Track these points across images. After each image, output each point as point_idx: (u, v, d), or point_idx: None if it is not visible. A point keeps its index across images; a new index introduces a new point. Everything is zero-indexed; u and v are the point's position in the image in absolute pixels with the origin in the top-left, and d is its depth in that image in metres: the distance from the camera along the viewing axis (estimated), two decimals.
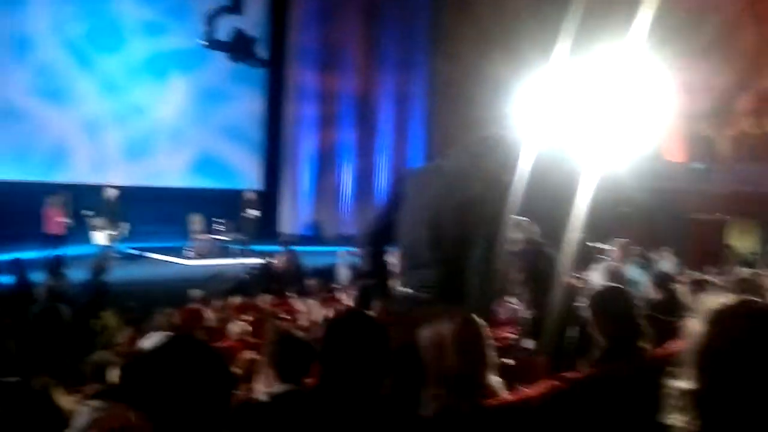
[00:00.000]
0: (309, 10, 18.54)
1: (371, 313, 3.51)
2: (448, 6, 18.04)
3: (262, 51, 17.74)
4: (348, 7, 18.68)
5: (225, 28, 16.69)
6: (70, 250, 13.20)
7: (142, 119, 17.11)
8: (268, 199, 18.01)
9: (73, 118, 16.43)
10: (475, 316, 2.66)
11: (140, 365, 1.97)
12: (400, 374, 2.64)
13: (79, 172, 16.20)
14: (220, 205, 15.60)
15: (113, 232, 13.97)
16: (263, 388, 3.27)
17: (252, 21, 17.71)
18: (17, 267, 10.30)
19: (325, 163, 18.78)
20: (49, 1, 16.02)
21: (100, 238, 13.66)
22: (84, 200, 15.14)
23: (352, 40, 18.74)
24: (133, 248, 14.27)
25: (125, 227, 13.81)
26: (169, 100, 17.42)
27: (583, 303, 3.28)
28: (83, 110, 16.51)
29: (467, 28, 16.77)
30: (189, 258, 14.35)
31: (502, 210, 3.62)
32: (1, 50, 15.51)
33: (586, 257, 8.37)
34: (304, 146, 18.65)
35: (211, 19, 16.48)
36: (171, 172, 17.38)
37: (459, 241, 3.58)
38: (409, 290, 3.69)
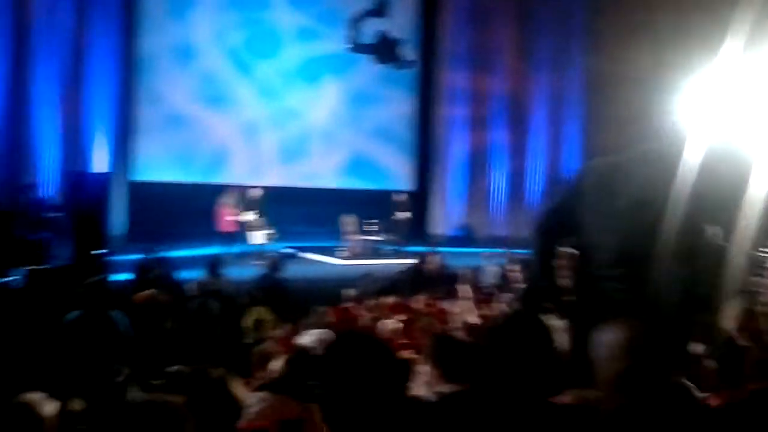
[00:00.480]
0: (460, 11, 18.40)
1: (538, 314, 3.32)
2: (602, 4, 17.35)
3: (407, 53, 17.80)
4: (500, 7, 18.39)
5: (370, 32, 16.88)
6: (236, 248, 13.78)
7: (297, 122, 17.59)
8: (419, 200, 18.02)
9: (233, 122, 17.15)
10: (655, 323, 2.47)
11: (317, 360, 2.02)
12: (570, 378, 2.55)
13: (237, 174, 16.86)
14: (371, 206, 15.73)
15: (270, 232, 14.41)
16: (426, 388, 3.18)
17: (399, 24, 17.81)
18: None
19: (477, 165, 18.55)
20: (212, 12, 16.80)
21: (258, 237, 14.11)
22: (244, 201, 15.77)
23: (504, 40, 18.42)
24: (289, 247, 14.61)
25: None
26: (323, 104, 17.80)
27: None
28: (242, 115, 17.20)
29: (623, 26, 16.09)
30: (341, 258, 14.53)
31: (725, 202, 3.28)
32: (168, 60, 16.44)
33: (758, 263, 7.71)
34: (454, 147, 18.51)
35: (356, 23, 16.69)
36: (324, 173, 17.76)
37: (680, 234, 3.21)
38: (590, 291, 3.42)
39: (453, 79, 18.35)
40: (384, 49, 17.07)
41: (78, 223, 12.75)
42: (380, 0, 16.91)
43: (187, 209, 15.11)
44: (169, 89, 16.47)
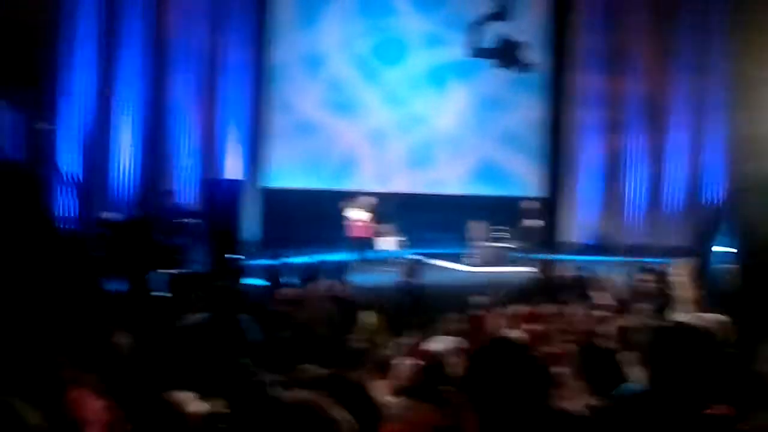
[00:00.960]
0: (592, 10, 17.77)
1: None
2: (749, 3, 16.27)
3: (530, 56, 17.42)
4: (636, 5, 17.62)
5: (491, 36, 16.68)
6: (365, 255, 13.85)
7: (424, 128, 17.49)
8: (550, 207, 17.53)
9: (360, 129, 17.27)
10: None
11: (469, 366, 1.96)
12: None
13: (365, 180, 16.99)
14: (500, 212, 15.40)
15: (399, 238, 14.39)
16: (573, 399, 2.95)
17: (524, 26, 17.51)
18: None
19: (611, 170, 17.80)
20: (339, 21, 17.01)
21: (386, 244, 14.11)
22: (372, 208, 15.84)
23: (641, 41, 17.59)
24: (417, 254, 14.51)
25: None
26: (450, 109, 17.63)
27: None
28: (369, 121, 17.29)
29: None
30: (469, 265, 14.29)
31: None
32: (297, 68, 16.77)
33: None
34: (587, 152, 17.84)
35: (477, 27, 16.51)
36: (451, 180, 17.56)
37: None
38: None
39: (586, 81, 17.72)
40: (506, 53, 16.83)
41: (213, 229, 13.16)
42: (502, 3, 16.64)
43: (317, 215, 15.33)
44: (298, 97, 16.78)
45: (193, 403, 3.55)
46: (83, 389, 3.15)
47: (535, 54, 17.48)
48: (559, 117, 18.15)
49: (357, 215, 14.27)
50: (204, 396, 3.59)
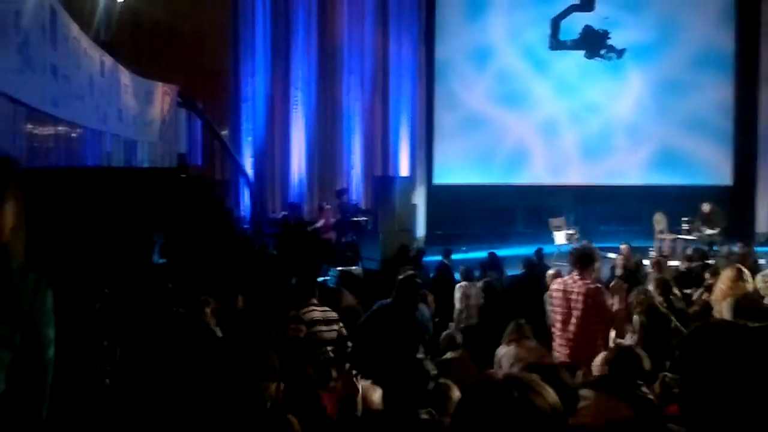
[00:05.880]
0: None
1: None
2: None
3: (616, 43, 16.45)
4: None
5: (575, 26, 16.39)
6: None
7: (598, 117, 16.70)
8: (740, 195, 16.19)
9: (531, 121, 16.74)
10: None
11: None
12: None
13: (537, 174, 16.46)
14: (685, 202, 14.33)
15: (571, 232, 13.83)
16: None
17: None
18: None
19: None
20: (506, 12, 16.58)
21: (561, 237, 13.58)
22: (543, 201, 15.37)
23: None
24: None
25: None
26: (626, 96, 16.72)
27: None
28: (540, 113, 16.73)
29: None
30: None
31: None
32: (466, 61, 16.52)
33: None
34: None
35: (560, 19, 16.07)
36: (630, 169, 16.60)
37: None
38: None
39: None
40: (590, 43, 15.97)
41: (384, 226, 13.20)
42: None
43: (487, 211, 15.03)
44: (466, 92, 16.53)
45: (373, 391, 3.53)
46: None
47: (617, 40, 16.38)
48: (747, 98, 16.68)
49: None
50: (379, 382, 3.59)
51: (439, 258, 10.94)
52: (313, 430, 3.00)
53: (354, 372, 3.47)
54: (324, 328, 5.56)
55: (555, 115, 16.70)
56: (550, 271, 8.02)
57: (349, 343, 5.64)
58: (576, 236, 13.71)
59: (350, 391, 3.41)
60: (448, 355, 5.93)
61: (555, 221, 14.23)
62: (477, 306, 8.48)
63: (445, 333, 6.37)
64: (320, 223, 13.43)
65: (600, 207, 15.43)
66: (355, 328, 5.65)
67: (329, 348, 5.53)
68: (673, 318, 6.01)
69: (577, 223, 14.34)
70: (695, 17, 16.51)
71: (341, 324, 5.72)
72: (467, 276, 9.00)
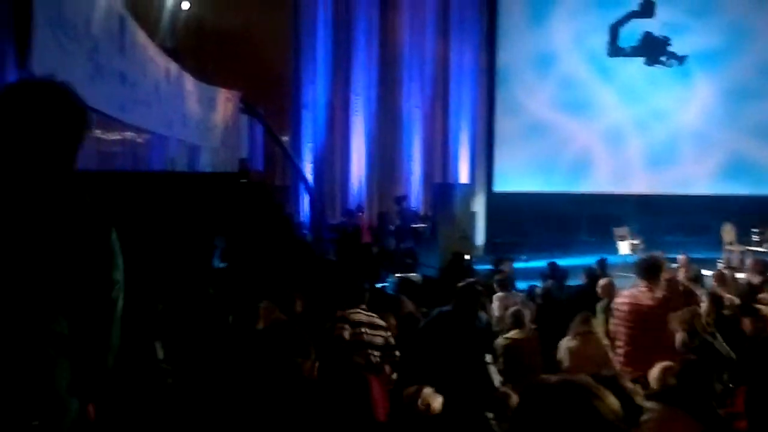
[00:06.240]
0: None
1: None
2: None
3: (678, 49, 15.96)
4: None
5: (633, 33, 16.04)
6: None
7: (665, 125, 16.30)
8: None
9: (595, 128, 16.45)
10: None
11: None
12: None
13: (601, 182, 16.16)
14: (755, 212, 13.87)
15: (635, 242, 13.54)
16: None
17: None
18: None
19: None
20: (571, 17, 16.33)
21: (625, 247, 13.30)
22: (607, 210, 15.08)
23: None
24: None
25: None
26: (694, 103, 16.27)
27: None
28: (604, 120, 16.42)
29: None
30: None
31: None
32: (528, 67, 16.34)
33: None
34: None
35: (619, 26, 15.77)
36: (697, 178, 16.13)
37: None
38: None
39: None
40: (650, 49, 15.76)
41: (444, 233, 13.12)
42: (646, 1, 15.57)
43: (548, 219, 14.80)
44: (528, 98, 16.34)
45: (435, 398, 3.54)
46: None
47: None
48: None
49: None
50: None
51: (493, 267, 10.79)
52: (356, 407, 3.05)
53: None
54: (369, 331, 5.53)
55: (620, 122, 16.37)
56: (602, 282, 7.84)
57: (397, 353, 5.62)
58: (641, 246, 13.39)
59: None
60: (514, 333, 5.86)
61: (619, 231, 13.94)
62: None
63: (512, 309, 6.27)
64: (358, 223, 13.54)
65: (666, 217, 15.04)
66: (413, 334, 5.65)
67: (376, 353, 5.50)
68: (718, 338, 5.78)
69: (642, 232, 13.95)
70: (764, 23, 15.98)
71: (389, 333, 5.70)
72: (503, 286, 8.80)
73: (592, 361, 5.56)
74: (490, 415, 3.82)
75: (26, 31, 3.49)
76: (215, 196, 8.82)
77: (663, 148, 16.24)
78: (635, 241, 13.78)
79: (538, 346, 5.92)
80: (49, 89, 1.92)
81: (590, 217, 15.62)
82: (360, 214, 14.23)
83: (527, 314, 6.12)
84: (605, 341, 6.13)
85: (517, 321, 6.01)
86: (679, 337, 5.97)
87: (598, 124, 16.44)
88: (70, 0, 4.08)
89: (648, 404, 3.32)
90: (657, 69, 16.28)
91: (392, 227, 14.27)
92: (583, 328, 5.92)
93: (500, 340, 5.94)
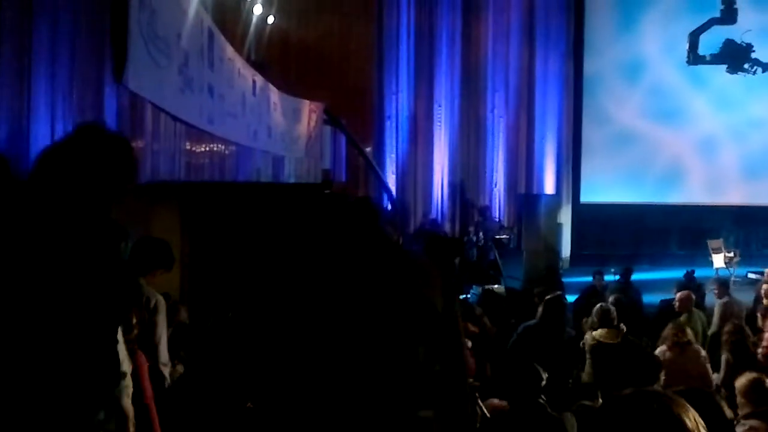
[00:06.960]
0: None
1: None
2: None
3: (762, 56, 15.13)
4: None
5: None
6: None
7: (761, 134, 15.66)
8: None
9: (687, 138, 15.94)
10: None
11: None
12: None
13: (693, 193, 15.64)
14: None
15: (730, 255, 12.99)
16: None
17: None
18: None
19: None
20: (661, 23, 15.86)
21: (719, 260, 12.78)
22: (700, 222, 14.56)
23: None
24: (752, 272, 12.91)
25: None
26: None
27: None
28: (697, 129, 15.89)
29: None
30: None
31: None
32: (616, 76, 15.94)
33: None
34: None
35: (699, 33, 15.06)
36: None
37: None
38: None
39: None
40: (732, 57, 15.09)
41: (529, 245, 12.90)
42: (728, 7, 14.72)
43: (637, 231, 14.40)
44: (617, 107, 15.93)
45: None
46: None
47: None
48: None
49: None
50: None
51: (586, 279, 10.51)
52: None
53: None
54: None
55: (713, 131, 15.80)
56: (680, 295, 7.65)
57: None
58: (736, 260, 12.86)
59: None
60: (601, 333, 5.63)
61: (713, 243, 13.41)
62: None
63: (598, 306, 6.00)
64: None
65: (763, 229, 14.43)
66: (503, 350, 5.61)
67: None
68: None
69: (738, 245, 13.43)
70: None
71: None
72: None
73: (689, 375, 5.37)
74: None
75: (123, 46, 3.55)
76: (299, 206, 8.86)
77: (760, 158, 15.60)
78: (730, 254, 13.24)
79: (629, 349, 5.60)
80: (113, 143, 1.97)
81: (682, 228, 15.13)
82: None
83: (614, 312, 5.80)
84: (703, 353, 5.88)
85: (604, 319, 5.72)
86: (724, 357, 5.74)
87: (690, 133, 15.90)
88: (163, 14, 4.14)
89: (751, 423, 3.19)
90: (752, 77, 15.57)
91: (475, 238, 14.10)
92: (676, 338, 5.70)
93: (587, 338, 5.70)
